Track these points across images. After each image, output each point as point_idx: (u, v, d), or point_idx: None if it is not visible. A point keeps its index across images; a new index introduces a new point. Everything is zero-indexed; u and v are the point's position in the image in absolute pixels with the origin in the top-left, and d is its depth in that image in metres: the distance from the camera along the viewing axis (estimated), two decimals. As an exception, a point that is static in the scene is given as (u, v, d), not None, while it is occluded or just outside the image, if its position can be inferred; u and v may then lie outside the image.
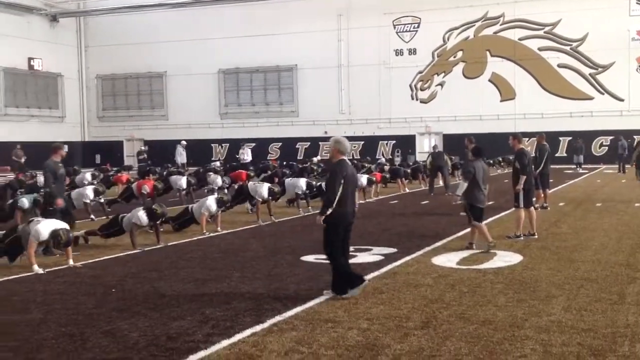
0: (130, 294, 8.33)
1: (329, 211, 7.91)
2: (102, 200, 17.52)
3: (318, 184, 18.95)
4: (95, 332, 6.60)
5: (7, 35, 47.32)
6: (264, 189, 15.83)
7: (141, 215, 12.10)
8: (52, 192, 12.11)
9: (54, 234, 9.94)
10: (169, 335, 6.47)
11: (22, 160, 36.53)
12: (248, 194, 16.19)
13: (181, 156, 36.85)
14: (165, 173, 27.11)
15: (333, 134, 43.58)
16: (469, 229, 11.89)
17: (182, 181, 20.44)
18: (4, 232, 10.79)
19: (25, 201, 15.34)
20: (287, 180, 18.01)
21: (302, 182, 17.83)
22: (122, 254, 11.54)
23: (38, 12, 51.13)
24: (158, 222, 12.50)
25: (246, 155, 32.00)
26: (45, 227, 10.00)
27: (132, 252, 11.69)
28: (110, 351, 5.99)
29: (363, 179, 20.96)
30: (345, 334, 6.41)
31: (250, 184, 16.20)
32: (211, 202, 14.15)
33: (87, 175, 23.97)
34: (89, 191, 17.11)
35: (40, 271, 9.75)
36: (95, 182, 19.91)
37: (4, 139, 45.18)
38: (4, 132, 46.64)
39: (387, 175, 24.24)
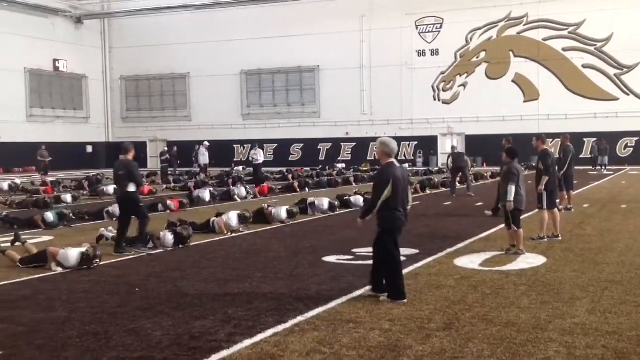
0: (154, 293, 8.39)
1: (369, 216, 7.71)
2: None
3: (345, 198, 19.08)
4: (119, 331, 6.66)
5: (32, 37, 47.97)
6: (282, 212, 15.85)
7: (167, 236, 12.21)
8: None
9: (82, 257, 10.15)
10: (192, 334, 6.51)
11: (48, 160, 36.93)
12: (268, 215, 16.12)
13: (204, 157, 37.00)
14: (191, 182, 27.37)
15: (354, 135, 43.97)
16: (490, 231, 11.79)
17: (206, 194, 20.63)
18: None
19: (50, 215, 15.53)
20: (309, 201, 17.97)
21: (325, 203, 17.77)
22: (144, 254, 11.63)
23: (63, 14, 51.76)
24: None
25: (258, 156, 32.01)
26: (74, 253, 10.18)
27: (155, 252, 11.78)
28: (134, 350, 6.04)
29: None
30: (367, 335, 6.40)
31: (269, 209, 16.08)
32: (233, 217, 14.33)
33: (110, 188, 23.89)
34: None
35: (59, 269, 9.89)
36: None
37: (30, 139, 45.80)
38: (29, 133, 47.30)
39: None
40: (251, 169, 34.29)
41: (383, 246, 7.85)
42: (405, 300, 7.66)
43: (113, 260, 10.96)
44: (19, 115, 47.91)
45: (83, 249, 10.35)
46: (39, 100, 49.95)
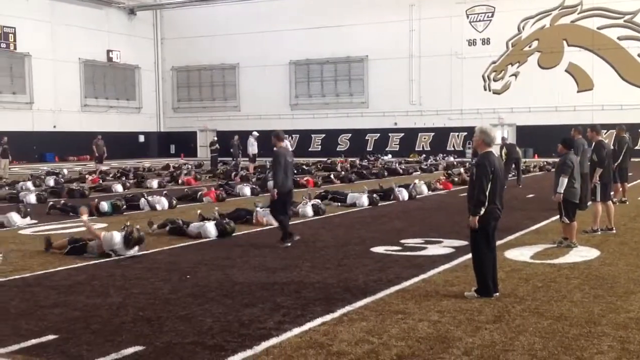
0: (204, 281, 8.53)
1: (482, 211, 7.39)
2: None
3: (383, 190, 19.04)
4: (171, 317, 6.80)
5: (87, 28, 49.03)
6: (308, 209, 15.87)
7: (211, 228, 12.34)
8: (264, 182, 11.79)
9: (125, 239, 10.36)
10: (242, 321, 6.60)
11: (103, 150, 37.69)
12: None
13: (252, 147, 37.26)
14: (233, 174, 27.63)
15: (403, 126, 43.60)
16: (542, 224, 11.61)
17: (246, 190, 20.77)
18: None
19: (105, 205, 15.89)
20: (350, 194, 17.98)
21: (365, 199, 17.71)
22: (195, 242, 11.83)
23: (117, 6, 52.73)
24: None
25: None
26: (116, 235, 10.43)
27: (204, 240, 11.96)
28: (186, 335, 6.16)
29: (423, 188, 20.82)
30: (415, 326, 6.39)
31: (303, 205, 16.17)
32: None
33: (154, 182, 24.35)
34: (164, 201, 17.40)
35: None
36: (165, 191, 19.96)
37: (84, 129, 46.91)
38: (84, 123, 48.44)
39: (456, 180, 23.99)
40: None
41: (473, 242, 7.63)
42: (493, 297, 7.42)
43: (165, 248, 11.17)
44: (74, 105, 49.08)
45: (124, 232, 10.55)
46: (93, 90, 51.06)
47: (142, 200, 17.25)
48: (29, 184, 23.42)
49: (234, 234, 12.53)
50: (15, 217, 14.27)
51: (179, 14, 55.33)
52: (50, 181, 25.12)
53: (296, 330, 6.27)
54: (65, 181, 25.57)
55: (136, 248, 10.44)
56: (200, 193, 19.28)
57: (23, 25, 44.86)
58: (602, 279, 8.42)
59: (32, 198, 18.81)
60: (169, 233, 12.59)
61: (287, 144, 13.07)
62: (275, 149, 11.65)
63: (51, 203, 17.01)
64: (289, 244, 11.16)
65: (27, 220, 14.47)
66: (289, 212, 11.95)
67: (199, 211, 14.13)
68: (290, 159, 11.67)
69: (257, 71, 52.49)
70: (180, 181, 25.60)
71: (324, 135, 51.38)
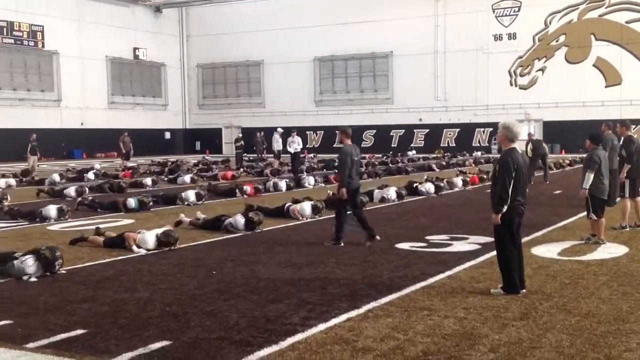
0: (230, 277, 8.58)
1: (504, 209, 7.33)
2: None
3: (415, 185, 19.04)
4: (198, 312, 6.85)
5: (114, 26, 49.52)
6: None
7: (239, 220, 12.49)
8: (342, 182, 11.12)
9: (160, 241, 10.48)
10: (267, 317, 6.63)
11: (130, 146, 38.05)
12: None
13: (277, 143, 37.34)
14: (268, 169, 27.82)
15: (428, 122, 43.39)
16: (569, 220, 11.49)
17: (282, 184, 20.93)
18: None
19: (132, 201, 16.04)
20: (376, 191, 17.96)
21: (392, 192, 17.69)
22: (220, 238, 11.90)
23: (143, 4, 53.19)
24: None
25: (296, 144, 30.13)
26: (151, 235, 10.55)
27: (230, 236, 12.03)
28: (212, 331, 6.20)
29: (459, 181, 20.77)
30: (441, 322, 6.37)
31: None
32: (307, 207, 14.54)
33: (187, 177, 24.57)
34: (192, 195, 17.53)
35: (142, 251, 10.28)
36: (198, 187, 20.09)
37: (111, 126, 47.41)
38: (111, 120, 48.94)
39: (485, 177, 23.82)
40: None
41: (498, 238, 7.57)
42: (520, 294, 7.36)
43: (191, 244, 11.26)
44: (101, 102, 49.63)
45: (160, 231, 10.69)
46: (119, 87, 51.58)
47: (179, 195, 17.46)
48: (56, 176, 23.86)
49: (259, 229, 12.58)
50: (52, 213, 14.43)
51: (204, 11, 55.63)
52: (90, 175, 25.64)
53: (321, 326, 6.28)
54: (100, 176, 26.11)
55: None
56: (239, 187, 19.49)
57: (51, 23, 45.43)
58: (630, 275, 8.31)
59: (72, 191, 19.17)
60: (199, 227, 12.77)
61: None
62: (342, 145, 11.21)
63: (79, 199, 17.22)
64: (342, 244, 10.82)
65: (63, 223, 14.27)
66: (360, 212, 11.31)
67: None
68: (357, 157, 11.23)
69: (281, 68, 52.59)
70: (217, 176, 26.01)
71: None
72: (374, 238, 10.98)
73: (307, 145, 50.55)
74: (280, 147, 37.06)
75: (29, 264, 8.56)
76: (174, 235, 10.76)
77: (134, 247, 10.35)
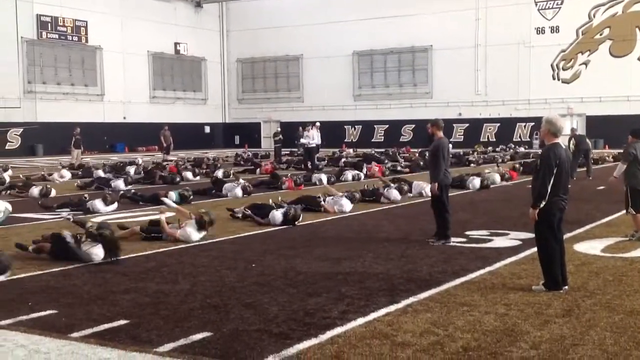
0: (269, 270, 8.64)
1: (542, 204, 7.23)
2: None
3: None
4: (238, 304, 6.91)
5: (155, 21, 50.13)
6: (393, 192, 16.02)
7: (277, 216, 12.60)
8: (435, 176, 10.66)
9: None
10: (306, 310, 6.66)
11: (170, 140, 38.53)
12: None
13: (316, 137, 37.41)
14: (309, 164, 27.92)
15: (467, 116, 42.98)
16: (612, 216, 11.28)
17: (323, 177, 21.00)
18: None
19: (173, 194, 16.27)
20: (415, 183, 17.86)
21: (426, 187, 17.56)
22: (259, 231, 11.99)
23: (184, -1, 53.61)
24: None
25: (312, 137, 29.20)
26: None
27: (269, 229, 12.11)
28: (252, 323, 6.26)
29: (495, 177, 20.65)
30: (481, 318, 6.31)
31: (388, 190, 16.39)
32: (346, 202, 14.57)
33: (219, 173, 24.70)
34: (238, 191, 17.68)
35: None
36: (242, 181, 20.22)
37: (153, 120, 48.04)
38: (152, 114, 49.57)
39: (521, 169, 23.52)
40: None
41: (538, 233, 7.47)
42: (562, 291, 7.26)
43: (230, 237, 11.36)
44: (143, 96, 50.30)
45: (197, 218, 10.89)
46: (161, 82, 52.20)
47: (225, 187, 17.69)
48: (100, 172, 24.32)
49: (298, 223, 12.64)
50: (99, 205, 14.75)
51: (244, 6, 55.89)
52: (131, 170, 26.07)
53: (360, 320, 6.28)
54: (143, 169, 26.51)
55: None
56: (280, 181, 19.64)
57: (94, 19, 46.18)
58: (677, 274, 8.13)
59: (120, 184, 19.63)
60: (242, 218, 13.07)
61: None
62: (435, 139, 10.76)
63: (122, 192, 17.51)
64: (450, 243, 10.37)
65: (112, 207, 14.97)
66: (449, 208, 10.91)
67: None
68: (449, 152, 10.92)
69: (320, 62, 52.58)
70: (258, 171, 26.23)
71: (387, 126, 51.15)
72: (443, 239, 10.53)
73: (346, 140, 50.55)
74: (319, 142, 37.05)
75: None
76: (212, 214, 10.99)
77: (178, 233, 10.65)
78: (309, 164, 27.98)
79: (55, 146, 41.38)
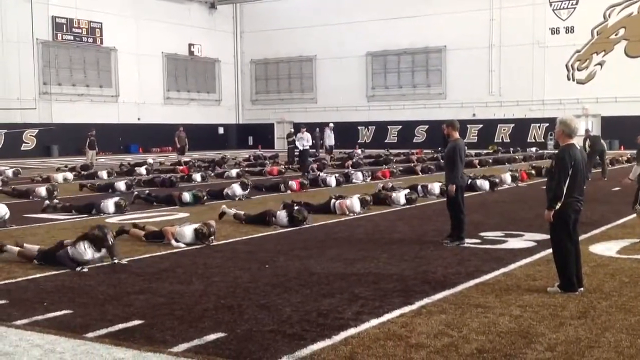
0: (282, 271, 8.64)
1: (558, 205, 7.19)
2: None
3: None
4: (251, 305, 6.92)
5: (170, 22, 50.36)
6: (401, 195, 15.94)
7: (282, 216, 12.59)
8: (450, 178, 10.57)
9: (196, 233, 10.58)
10: (320, 311, 6.65)
11: (184, 141, 38.69)
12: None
13: (329, 138, 37.54)
14: (316, 164, 27.87)
15: (481, 117, 42.86)
16: (628, 218, 11.20)
17: (332, 180, 20.93)
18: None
19: (187, 195, 16.29)
20: (430, 186, 17.80)
21: (436, 187, 17.46)
22: (273, 232, 11.99)
23: (198, 0, 53.82)
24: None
25: (305, 140, 28.61)
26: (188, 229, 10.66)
27: (282, 230, 12.11)
28: (266, 324, 6.26)
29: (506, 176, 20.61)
30: (496, 320, 6.28)
31: (389, 193, 16.28)
32: (355, 202, 14.49)
33: (233, 172, 24.91)
34: (236, 187, 17.66)
35: (181, 245, 10.39)
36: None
37: (167, 121, 48.26)
38: (166, 115, 49.81)
39: (534, 172, 23.37)
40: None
41: (553, 235, 7.43)
42: (577, 293, 7.21)
43: (244, 237, 11.38)
44: (157, 97, 50.54)
45: (196, 225, 10.79)
46: (175, 83, 52.43)
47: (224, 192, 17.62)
48: (104, 174, 24.43)
49: (306, 224, 12.63)
50: (110, 208, 14.75)
51: (258, 7, 56.01)
52: (142, 171, 26.18)
53: (374, 322, 6.27)
54: (153, 171, 26.60)
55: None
56: (285, 183, 19.59)
57: (109, 20, 46.48)
58: (694, 276, 8.05)
59: (122, 186, 19.67)
60: (246, 222, 12.88)
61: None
62: (451, 140, 10.62)
63: (136, 193, 17.57)
64: (464, 245, 10.32)
65: (122, 216, 14.41)
66: (464, 209, 10.77)
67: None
68: (465, 153, 10.77)
69: (333, 63, 52.58)
70: (263, 171, 26.22)
71: (400, 126, 51.05)
72: (457, 240, 10.49)
73: (359, 141, 50.50)
74: (333, 142, 37.16)
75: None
76: (212, 227, 10.78)
77: (173, 242, 10.48)
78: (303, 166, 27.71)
79: (71, 147, 41.66)
